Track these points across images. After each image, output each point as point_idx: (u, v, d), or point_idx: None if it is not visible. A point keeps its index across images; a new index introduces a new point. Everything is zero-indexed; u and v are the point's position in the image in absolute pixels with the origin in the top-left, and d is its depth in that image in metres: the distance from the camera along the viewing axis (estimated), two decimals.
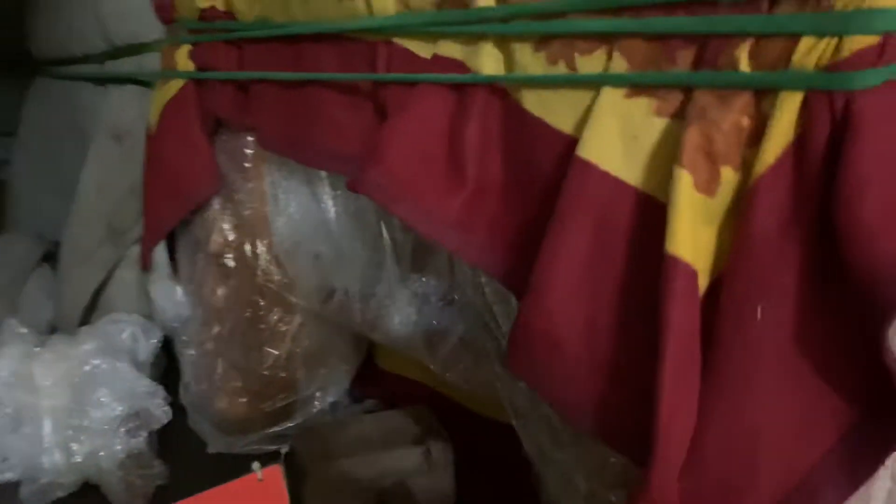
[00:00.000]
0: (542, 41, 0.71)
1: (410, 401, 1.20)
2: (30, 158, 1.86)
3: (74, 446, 1.14)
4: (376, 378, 1.36)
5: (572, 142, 0.67)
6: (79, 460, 1.14)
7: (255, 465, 0.69)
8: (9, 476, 1.13)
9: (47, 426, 1.14)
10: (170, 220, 1.30)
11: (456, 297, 1.02)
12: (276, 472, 0.70)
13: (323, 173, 1.13)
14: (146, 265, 1.34)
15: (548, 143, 0.70)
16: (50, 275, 1.56)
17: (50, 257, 1.62)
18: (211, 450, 1.27)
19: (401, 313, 1.08)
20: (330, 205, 1.15)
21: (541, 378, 0.68)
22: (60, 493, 1.14)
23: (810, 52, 0.52)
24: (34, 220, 1.77)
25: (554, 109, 0.70)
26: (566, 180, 0.65)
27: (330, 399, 1.31)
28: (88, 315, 1.39)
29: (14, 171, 1.93)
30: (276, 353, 1.26)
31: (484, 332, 0.93)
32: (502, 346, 0.87)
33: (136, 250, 1.37)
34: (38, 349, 1.21)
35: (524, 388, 0.84)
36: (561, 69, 0.69)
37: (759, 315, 0.53)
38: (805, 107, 0.52)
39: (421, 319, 1.07)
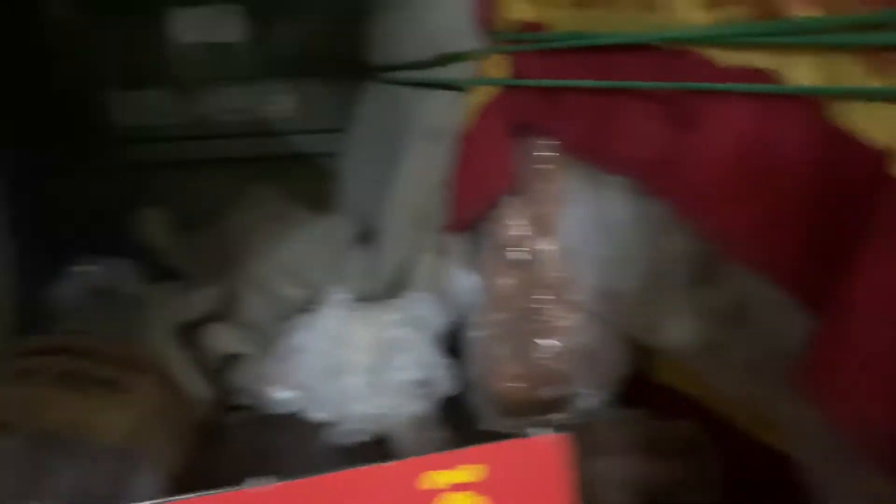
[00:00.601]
0: (862, 52, 0.68)
1: (682, 415, 1.19)
2: (359, 152, 2.14)
3: (375, 400, 1.31)
4: (649, 387, 1.36)
5: (888, 159, 0.63)
6: (376, 413, 1.31)
7: (539, 429, 0.67)
8: (323, 416, 1.33)
9: (357, 380, 1.33)
10: (472, 213, 1.42)
11: (742, 312, 1.00)
12: (564, 441, 0.62)
13: (610, 178, 1.16)
14: (446, 252, 1.49)
15: (860, 158, 0.67)
16: (366, 253, 1.79)
17: (366, 238, 1.86)
18: (483, 426, 1.34)
19: (681, 324, 1.08)
20: (616, 208, 1.18)
21: (838, 404, 0.65)
22: (359, 439, 1.31)
23: None
24: (357, 204, 2.03)
25: (871, 124, 0.67)
26: (880, 199, 0.62)
27: (600, 398, 1.33)
28: (396, 290, 1.57)
29: (345, 162, 2.23)
30: (553, 345, 1.32)
31: (772, 352, 0.90)
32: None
33: (440, 238, 1.52)
34: (355, 313, 1.42)
35: (812, 413, 0.80)
36: (883, 82, 0.66)
37: None
38: None
39: (703, 332, 1.06)
